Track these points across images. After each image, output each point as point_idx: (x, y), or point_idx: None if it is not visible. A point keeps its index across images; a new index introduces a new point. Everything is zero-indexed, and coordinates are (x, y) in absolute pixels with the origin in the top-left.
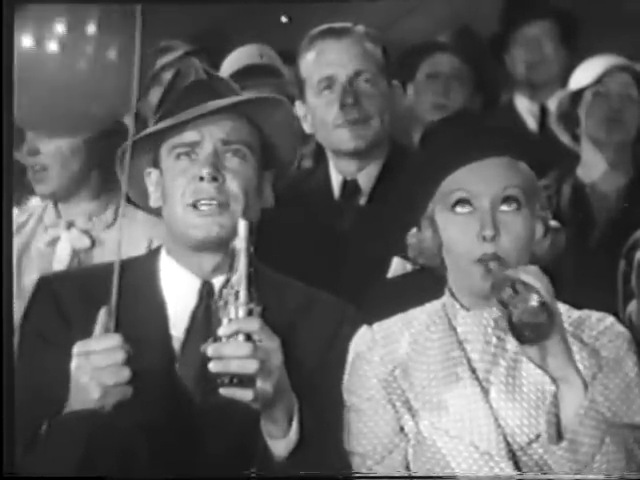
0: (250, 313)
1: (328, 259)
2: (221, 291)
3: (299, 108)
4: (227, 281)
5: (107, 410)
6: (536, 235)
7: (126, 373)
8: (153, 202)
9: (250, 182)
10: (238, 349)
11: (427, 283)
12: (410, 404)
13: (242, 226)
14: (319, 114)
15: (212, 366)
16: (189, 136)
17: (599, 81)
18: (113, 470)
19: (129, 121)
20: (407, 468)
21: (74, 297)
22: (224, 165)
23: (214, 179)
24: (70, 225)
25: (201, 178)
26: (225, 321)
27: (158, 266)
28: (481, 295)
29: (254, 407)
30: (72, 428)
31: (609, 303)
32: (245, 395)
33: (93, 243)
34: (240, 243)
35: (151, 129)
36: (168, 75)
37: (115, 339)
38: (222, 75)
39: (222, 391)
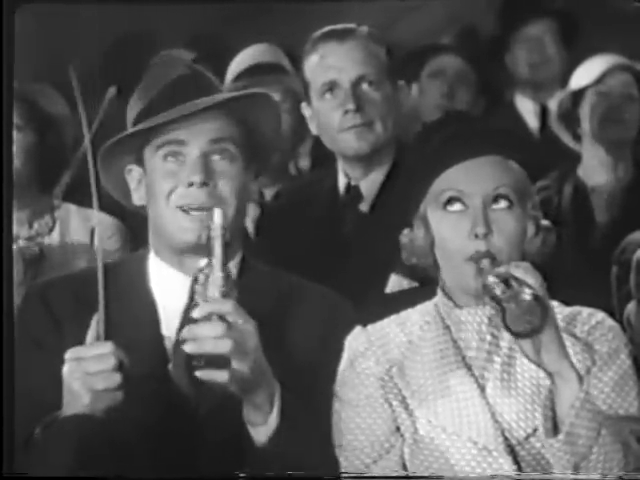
0: (225, 296)
1: (330, 263)
2: (197, 276)
3: (305, 110)
4: (205, 266)
5: (99, 415)
6: (527, 234)
7: (117, 378)
8: (136, 200)
9: (239, 183)
10: (211, 329)
11: (422, 300)
12: (406, 402)
13: (217, 214)
14: (323, 118)
15: (187, 347)
16: (175, 135)
17: (600, 80)
18: (110, 471)
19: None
20: (404, 468)
21: (65, 302)
22: (213, 169)
23: (204, 184)
24: (16, 237)
25: (190, 184)
26: (200, 303)
27: (147, 267)
28: (473, 293)
29: (232, 391)
30: (68, 430)
31: (608, 303)
32: (220, 376)
33: (42, 250)
34: (215, 231)
35: (135, 128)
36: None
37: (107, 346)
38: (204, 70)
39: (197, 374)
